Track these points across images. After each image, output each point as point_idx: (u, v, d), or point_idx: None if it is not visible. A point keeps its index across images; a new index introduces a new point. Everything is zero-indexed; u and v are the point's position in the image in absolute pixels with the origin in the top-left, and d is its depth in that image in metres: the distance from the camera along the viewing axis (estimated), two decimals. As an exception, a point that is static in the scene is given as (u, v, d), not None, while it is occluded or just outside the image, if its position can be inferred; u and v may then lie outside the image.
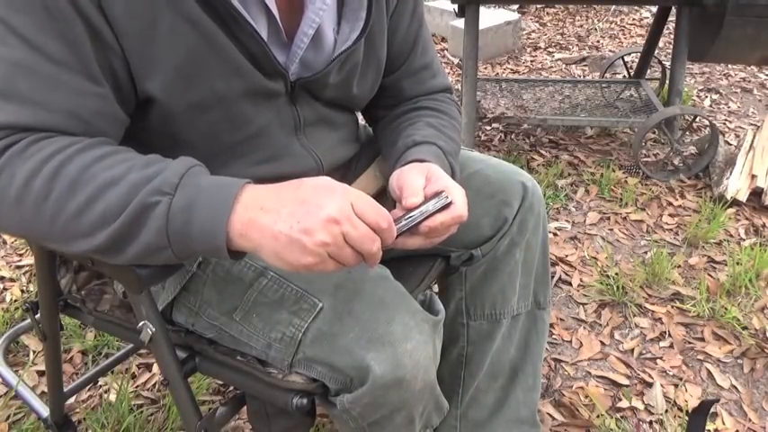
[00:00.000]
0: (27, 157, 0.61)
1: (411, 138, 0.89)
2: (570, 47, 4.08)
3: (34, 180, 0.61)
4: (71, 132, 0.65)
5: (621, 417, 1.36)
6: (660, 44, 3.34)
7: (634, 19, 4.57)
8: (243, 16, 0.70)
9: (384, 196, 0.94)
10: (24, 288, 1.76)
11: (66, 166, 0.61)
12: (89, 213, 0.61)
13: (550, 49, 4.05)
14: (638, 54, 2.87)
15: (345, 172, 0.99)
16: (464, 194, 0.79)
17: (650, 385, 1.44)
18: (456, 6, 2.36)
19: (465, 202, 0.78)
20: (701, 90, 3.31)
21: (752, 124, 2.88)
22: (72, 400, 1.37)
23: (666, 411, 1.37)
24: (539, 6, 4.76)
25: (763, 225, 2.09)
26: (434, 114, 0.96)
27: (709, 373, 1.49)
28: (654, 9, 2.93)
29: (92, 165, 0.62)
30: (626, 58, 3.06)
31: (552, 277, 1.80)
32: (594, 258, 1.92)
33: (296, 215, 0.61)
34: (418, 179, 0.78)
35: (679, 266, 1.87)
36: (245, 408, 0.92)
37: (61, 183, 0.61)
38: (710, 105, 3.13)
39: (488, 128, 2.80)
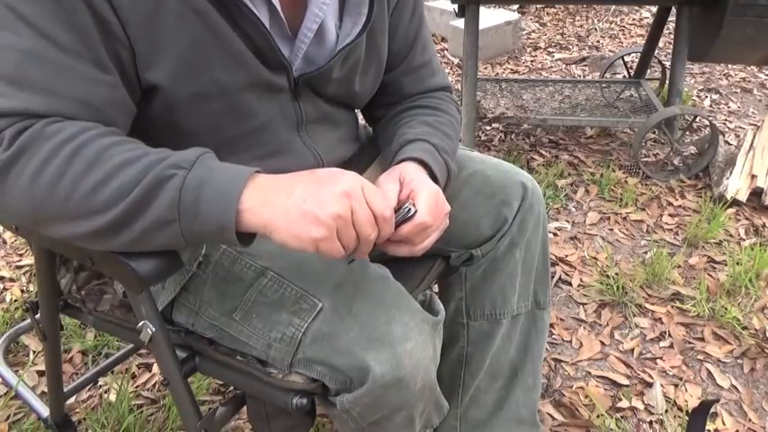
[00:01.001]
0: (46, 137, 0.62)
1: (404, 136, 0.89)
2: (570, 47, 4.08)
3: (53, 159, 0.62)
4: (83, 120, 0.65)
5: (621, 417, 1.36)
6: (660, 44, 3.34)
7: (634, 19, 4.57)
8: (246, 5, 0.70)
9: None
10: (24, 288, 1.76)
11: (85, 146, 0.63)
12: (104, 190, 0.62)
13: (550, 49, 4.05)
14: (638, 54, 2.87)
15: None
16: (432, 197, 0.78)
17: (650, 385, 1.44)
18: (456, 6, 2.36)
19: (431, 206, 0.77)
20: (701, 90, 3.31)
21: (752, 124, 2.88)
22: (72, 400, 1.37)
23: (666, 411, 1.37)
24: (539, 6, 4.76)
25: (763, 225, 2.09)
26: (431, 113, 0.96)
27: (710, 373, 1.49)
28: (654, 9, 2.93)
29: (109, 147, 0.64)
30: (626, 58, 3.06)
31: (552, 277, 1.80)
32: (594, 258, 1.92)
33: (310, 190, 0.65)
34: (391, 186, 0.79)
35: (679, 266, 1.87)
36: (245, 408, 0.92)
37: (78, 162, 0.62)
38: (710, 105, 3.13)
39: (488, 128, 2.80)
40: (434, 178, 0.85)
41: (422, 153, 0.85)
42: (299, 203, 0.64)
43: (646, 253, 1.95)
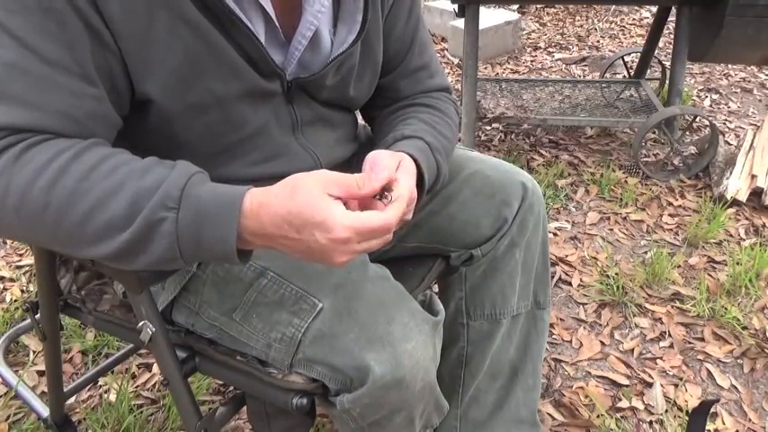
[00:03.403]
0: (22, 164, 0.61)
1: (400, 131, 0.88)
2: (570, 47, 4.08)
3: (31, 190, 0.61)
4: (65, 133, 0.64)
5: (621, 417, 1.36)
6: (660, 44, 3.34)
7: (634, 19, 4.57)
8: (239, 17, 0.70)
9: None
10: (24, 288, 1.76)
11: (63, 174, 0.61)
12: (92, 222, 0.61)
13: (550, 49, 4.05)
14: (638, 54, 2.87)
15: (345, 171, 0.99)
16: (405, 205, 0.72)
17: (650, 385, 1.44)
18: (456, 6, 2.36)
19: (398, 213, 0.70)
20: (701, 90, 3.31)
21: (752, 124, 2.88)
22: (72, 400, 1.37)
23: (666, 411, 1.37)
24: (539, 6, 4.76)
25: (763, 225, 2.09)
26: (429, 111, 0.95)
27: (710, 373, 1.49)
28: (654, 9, 2.93)
29: (89, 173, 0.62)
30: (626, 58, 3.06)
31: (552, 277, 1.80)
32: (594, 258, 1.92)
33: (312, 254, 0.65)
34: (392, 160, 0.76)
35: (679, 266, 1.87)
36: (245, 408, 0.92)
37: (60, 193, 0.61)
38: (710, 105, 3.13)
39: (488, 128, 2.80)
40: (422, 177, 0.82)
41: (414, 150, 0.83)
42: (301, 252, 0.65)
43: (646, 253, 1.95)
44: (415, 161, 0.81)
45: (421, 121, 0.91)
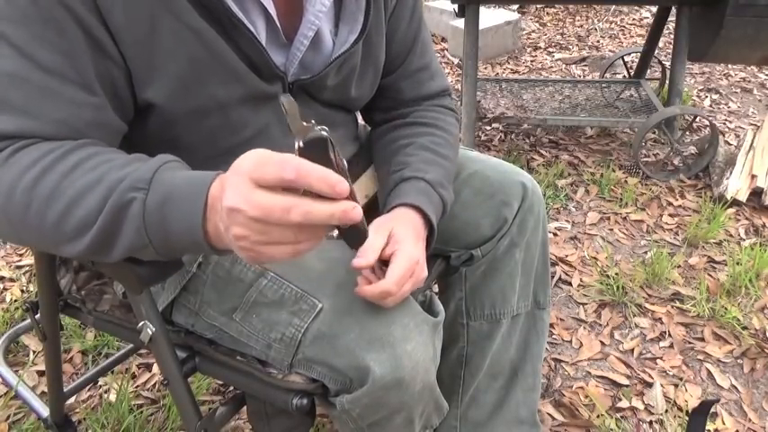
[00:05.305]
0: (9, 166, 0.61)
1: (400, 172, 0.88)
2: (570, 47, 4.08)
3: (15, 191, 0.61)
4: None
5: (621, 417, 1.36)
6: (660, 44, 3.34)
7: (634, 19, 4.57)
8: (242, 21, 0.70)
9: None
10: (24, 288, 1.76)
11: (45, 174, 0.61)
12: (70, 220, 0.61)
13: (550, 49, 4.05)
14: (638, 54, 2.87)
15: (346, 172, 0.99)
16: (406, 266, 0.76)
17: (650, 385, 1.44)
18: (456, 6, 2.36)
19: (401, 276, 0.75)
20: (701, 90, 3.31)
21: (752, 124, 2.88)
22: (72, 400, 1.37)
23: (666, 411, 1.37)
24: (539, 6, 4.76)
25: (763, 225, 2.09)
26: (430, 132, 0.95)
27: (709, 373, 1.49)
28: (654, 9, 2.93)
29: (71, 171, 0.61)
30: (626, 58, 3.06)
31: (552, 277, 1.80)
32: (594, 258, 1.92)
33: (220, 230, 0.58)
34: (378, 239, 0.77)
35: (679, 266, 1.87)
36: (245, 408, 0.92)
37: (40, 193, 0.61)
38: (710, 105, 3.13)
39: (488, 128, 2.80)
40: (428, 220, 0.84)
41: (416, 196, 0.84)
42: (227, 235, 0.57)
43: (646, 253, 1.95)
44: (420, 209, 0.83)
45: (422, 148, 0.92)
